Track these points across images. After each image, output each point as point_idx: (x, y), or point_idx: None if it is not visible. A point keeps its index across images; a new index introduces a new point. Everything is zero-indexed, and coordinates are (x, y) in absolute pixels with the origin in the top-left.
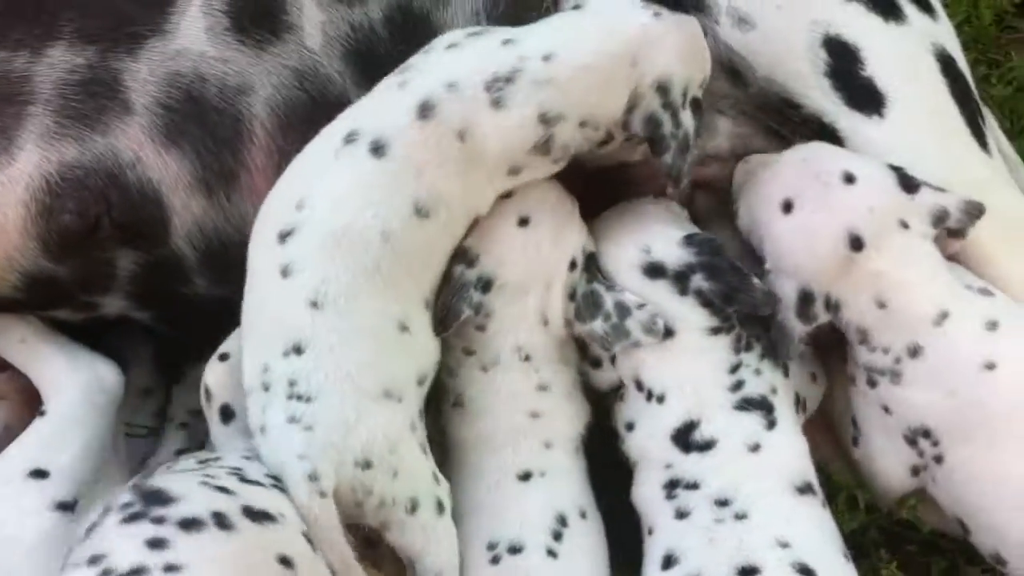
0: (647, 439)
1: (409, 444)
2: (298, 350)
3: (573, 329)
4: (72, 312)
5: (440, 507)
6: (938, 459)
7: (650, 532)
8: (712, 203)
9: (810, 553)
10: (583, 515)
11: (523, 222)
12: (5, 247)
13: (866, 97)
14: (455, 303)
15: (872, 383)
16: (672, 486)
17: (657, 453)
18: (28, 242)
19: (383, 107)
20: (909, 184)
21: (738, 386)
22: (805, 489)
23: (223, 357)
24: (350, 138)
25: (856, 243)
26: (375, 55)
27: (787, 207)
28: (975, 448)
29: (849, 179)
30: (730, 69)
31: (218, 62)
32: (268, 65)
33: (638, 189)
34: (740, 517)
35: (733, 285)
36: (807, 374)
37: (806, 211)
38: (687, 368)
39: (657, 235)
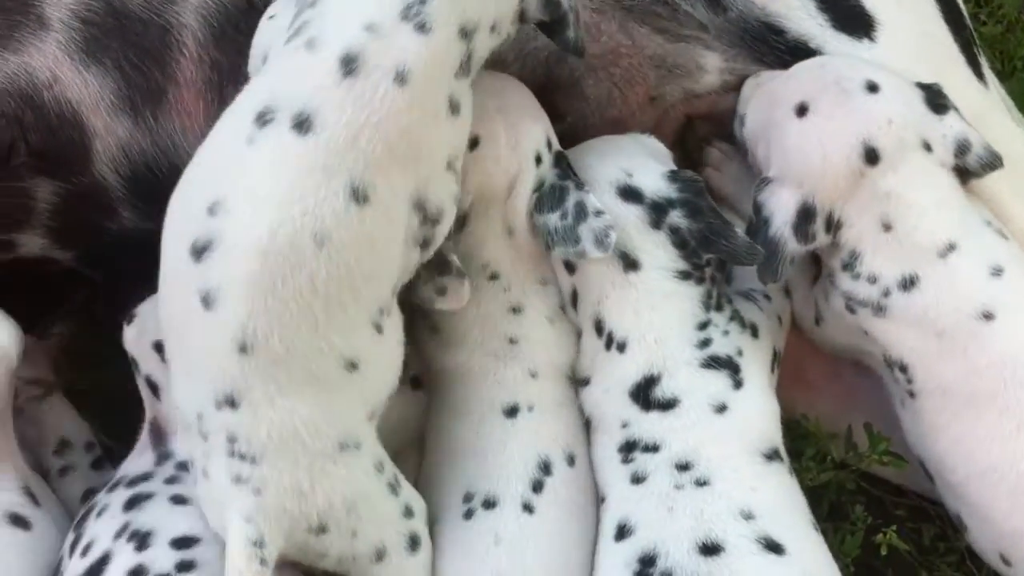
0: (603, 393)
1: (373, 493)
2: (232, 403)
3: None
4: None
5: (414, 543)
6: (911, 394)
7: (603, 499)
8: (705, 136)
9: (777, 525)
10: (570, 460)
11: (473, 144)
12: None
13: (854, 19)
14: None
15: (851, 310)
16: (629, 448)
17: (613, 409)
18: None
19: (296, 74)
20: (938, 105)
21: (705, 344)
22: (772, 456)
23: (131, 319)
24: (265, 117)
25: (871, 156)
26: None
27: (801, 110)
28: (950, 402)
29: (872, 88)
30: None
31: None
32: None
33: None
34: (701, 483)
35: (714, 228)
36: (775, 320)
37: (822, 115)
38: (652, 314)
39: (642, 164)
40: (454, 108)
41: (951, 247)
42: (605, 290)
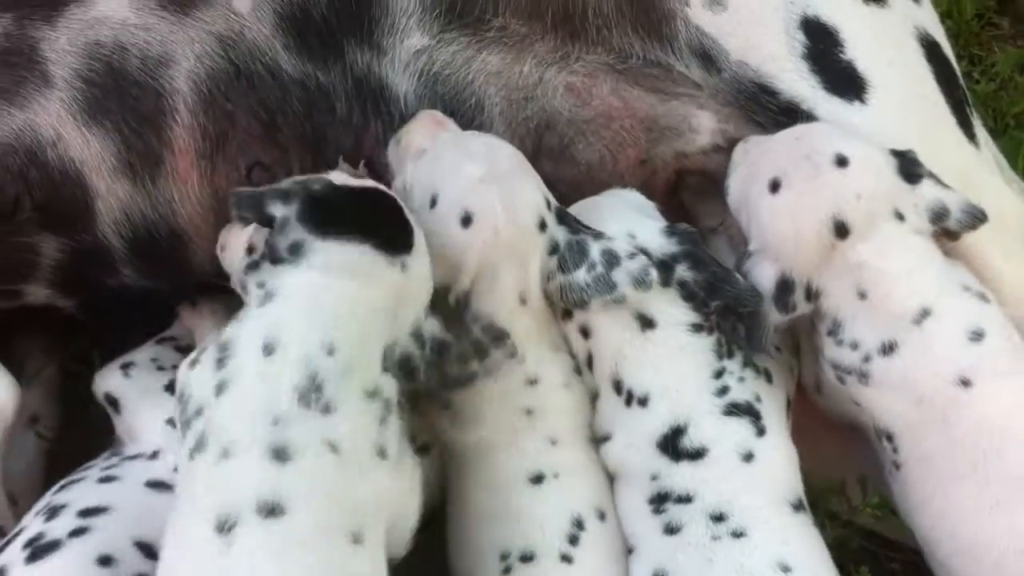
0: (627, 448)
1: None
2: None
3: (551, 287)
4: None
5: None
6: (896, 465)
7: (631, 551)
8: (695, 196)
9: None
10: (601, 516)
11: (465, 221)
12: None
13: (846, 81)
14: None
15: (841, 380)
16: (660, 499)
17: (641, 463)
18: None
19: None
20: (911, 173)
21: (724, 391)
22: (799, 506)
23: (126, 367)
24: (225, 526)
25: (840, 230)
26: (310, 20)
27: (775, 186)
28: (933, 473)
29: (841, 162)
30: (702, 54)
31: (140, 30)
32: (191, 32)
33: None
34: (738, 535)
35: (718, 276)
36: (786, 369)
37: (793, 191)
38: (671, 367)
39: (638, 223)
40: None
41: (925, 313)
42: (623, 351)
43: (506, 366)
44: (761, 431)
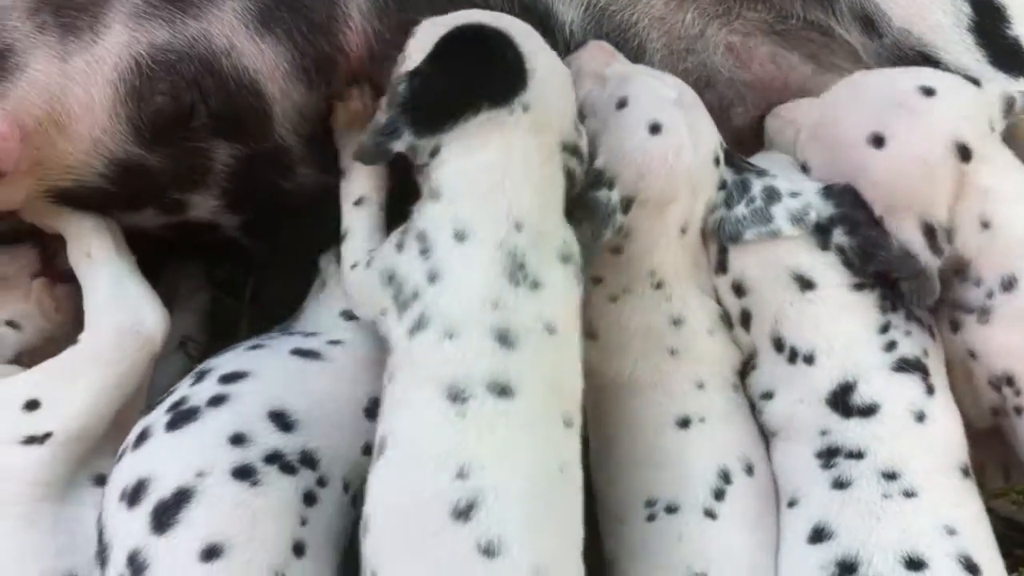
0: (795, 404)
1: None
2: None
3: (709, 221)
4: (156, 215)
5: None
6: (1018, 410)
7: (792, 504)
8: None
9: (976, 545)
10: (749, 470)
11: (654, 129)
12: (91, 128)
13: (1012, 58)
14: (599, 228)
15: (955, 326)
16: (830, 454)
17: (810, 419)
18: (117, 125)
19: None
20: (974, 80)
21: (891, 346)
22: (966, 472)
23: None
24: (458, 397)
25: (964, 152)
26: None
27: (878, 141)
28: None
29: (928, 92)
30: (863, 17)
31: None
32: None
33: None
34: (909, 495)
35: (873, 241)
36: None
37: (901, 138)
38: (835, 325)
39: (799, 181)
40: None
41: None
42: (783, 310)
43: (652, 299)
44: (930, 389)
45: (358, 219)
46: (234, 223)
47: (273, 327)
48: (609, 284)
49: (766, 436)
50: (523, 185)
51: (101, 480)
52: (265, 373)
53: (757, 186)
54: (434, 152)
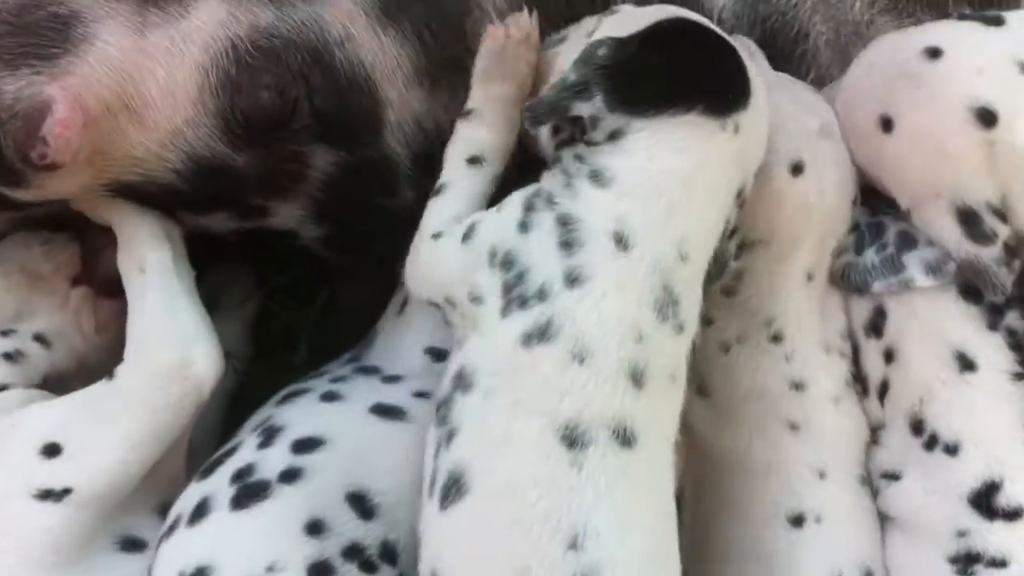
0: (927, 495)
1: None
2: None
3: (835, 267)
4: (230, 219)
5: None
6: None
7: None
8: None
9: None
10: None
11: (796, 169)
12: (170, 118)
13: None
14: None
15: None
16: (969, 560)
17: (945, 516)
18: (203, 117)
19: None
20: (994, 18)
21: None
22: None
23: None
24: (576, 441)
25: (985, 116)
26: None
27: (886, 125)
28: None
29: (934, 53)
30: None
31: None
32: None
33: None
34: None
35: None
36: None
37: (909, 115)
38: (988, 414)
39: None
40: None
41: None
42: (933, 388)
43: (768, 354)
44: None
45: (464, 178)
46: (316, 234)
47: (338, 342)
48: (721, 329)
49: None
50: (702, 211)
51: (127, 544)
52: (343, 440)
53: (892, 231)
54: (615, 135)
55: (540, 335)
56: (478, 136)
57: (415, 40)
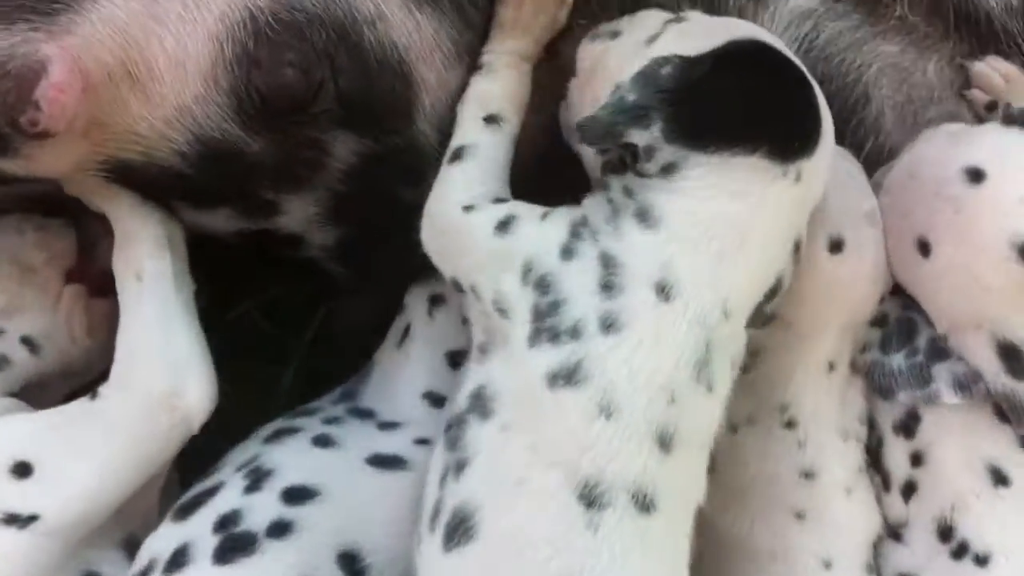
0: None
1: None
2: None
3: (858, 361)
4: (233, 216)
5: None
6: None
7: None
8: None
9: None
10: None
11: (835, 247)
12: (178, 92)
13: None
14: None
15: None
16: None
17: None
18: (215, 95)
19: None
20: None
21: None
22: None
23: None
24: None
25: None
26: None
27: (924, 248)
28: None
29: (975, 176)
30: None
31: None
32: None
33: None
34: None
35: None
36: None
37: (947, 243)
38: (1020, 529)
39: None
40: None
41: None
42: (966, 500)
43: (780, 440)
44: None
45: (485, 142)
46: (326, 240)
47: (330, 368)
48: (730, 406)
49: None
50: (751, 265)
51: None
52: (337, 492)
53: (923, 336)
54: (669, 169)
55: (568, 377)
56: (492, 90)
57: (454, 14)
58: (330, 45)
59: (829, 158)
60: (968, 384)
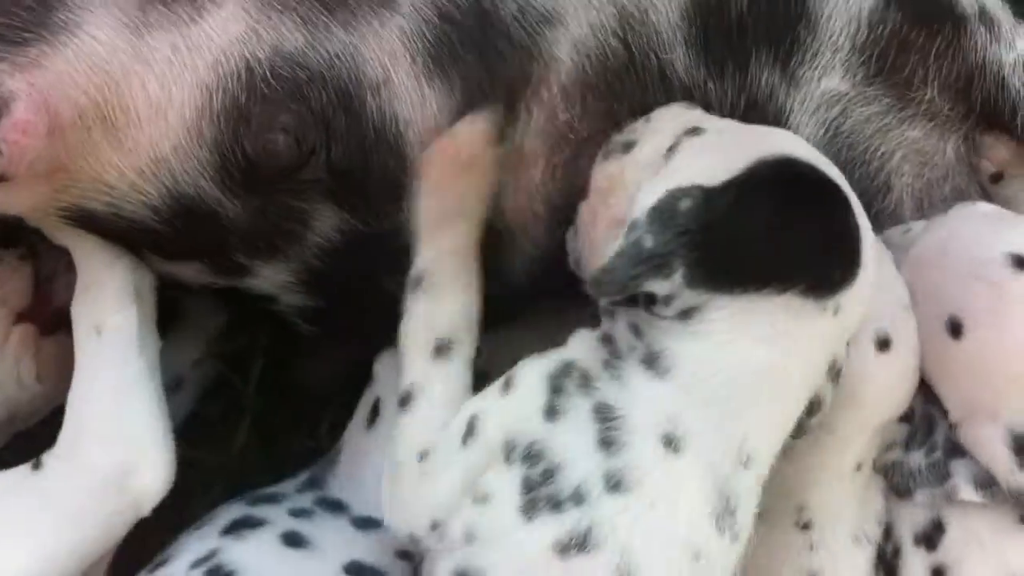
0: None
1: None
2: None
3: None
4: (202, 272)
5: None
6: None
7: None
8: None
9: None
10: None
11: (883, 345)
12: (157, 140)
13: None
14: None
15: None
16: None
17: None
18: (197, 149)
19: None
20: None
21: None
22: None
23: None
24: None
25: None
26: (724, 15)
27: (955, 329)
28: None
29: (1019, 263)
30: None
31: None
32: None
33: None
34: None
35: None
36: None
37: (984, 328)
38: None
39: None
40: None
41: None
42: None
43: (790, 543)
44: None
45: (436, 378)
46: (299, 304)
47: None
48: None
49: None
50: (776, 409)
51: None
52: None
53: (942, 429)
54: (687, 313)
55: (579, 545)
56: (438, 311)
57: (461, 98)
58: (328, 108)
59: (871, 280)
60: (986, 483)
